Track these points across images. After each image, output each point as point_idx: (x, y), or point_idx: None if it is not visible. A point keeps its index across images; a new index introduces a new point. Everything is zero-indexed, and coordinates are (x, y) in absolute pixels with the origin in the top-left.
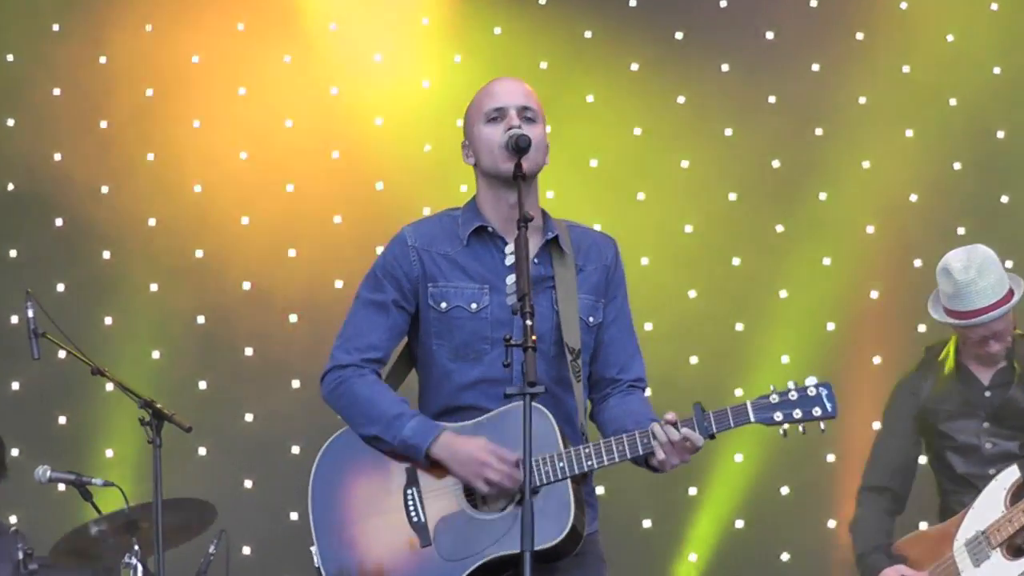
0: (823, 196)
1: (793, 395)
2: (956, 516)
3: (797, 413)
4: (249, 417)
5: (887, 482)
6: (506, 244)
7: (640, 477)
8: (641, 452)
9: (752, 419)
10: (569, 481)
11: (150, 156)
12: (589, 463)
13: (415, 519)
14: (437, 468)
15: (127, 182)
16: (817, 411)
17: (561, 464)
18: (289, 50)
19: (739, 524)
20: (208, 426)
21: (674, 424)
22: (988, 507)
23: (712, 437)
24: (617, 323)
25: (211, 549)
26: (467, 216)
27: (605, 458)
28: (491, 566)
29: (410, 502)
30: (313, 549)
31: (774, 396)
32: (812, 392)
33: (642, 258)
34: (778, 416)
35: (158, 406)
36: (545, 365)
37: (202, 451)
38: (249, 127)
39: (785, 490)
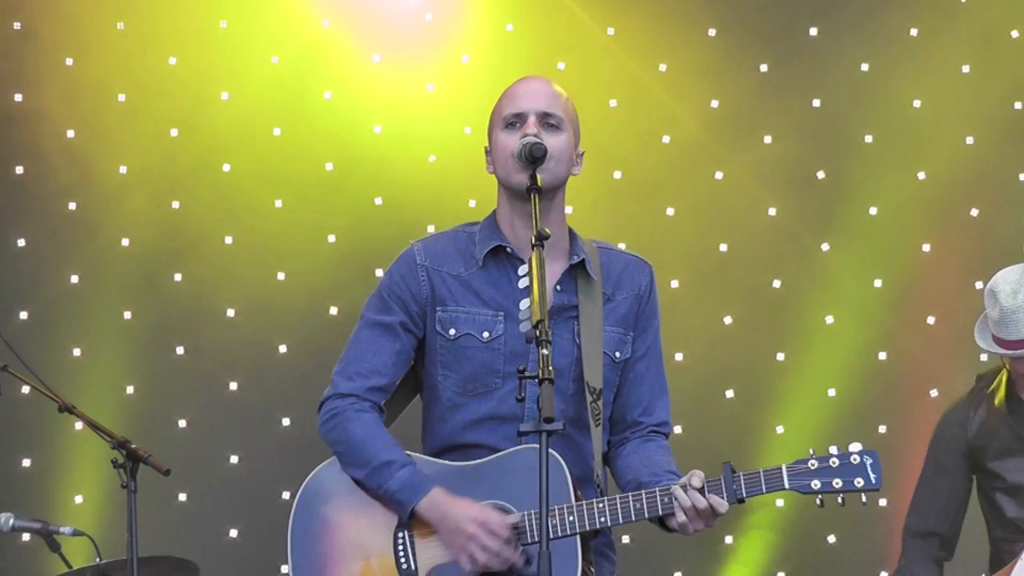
0: (874, 211)
1: (834, 462)
2: (1004, 569)
3: (837, 483)
4: (234, 459)
5: (934, 526)
6: (519, 271)
7: None
8: (660, 513)
9: (787, 486)
10: (578, 536)
11: (123, 169)
12: (602, 519)
13: (404, 566)
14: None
15: (98, 197)
16: (859, 482)
17: (571, 519)
18: (277, 50)
19: None
20: (188, 469)
21: (700, 490)
22: None
23: (741, 501)
24: (646, 359)
25: None
26: (484, 234)
27: (620, 516)
28: None
29: (400, 547)
30: None
31: (813, 461)
32: (855, 460)
33: (672, 280)
34: (816, 484)
35: (133, 447)
36: (562, 404)
37: (182, 497)
38: (233, 136)
39: (832, 538)
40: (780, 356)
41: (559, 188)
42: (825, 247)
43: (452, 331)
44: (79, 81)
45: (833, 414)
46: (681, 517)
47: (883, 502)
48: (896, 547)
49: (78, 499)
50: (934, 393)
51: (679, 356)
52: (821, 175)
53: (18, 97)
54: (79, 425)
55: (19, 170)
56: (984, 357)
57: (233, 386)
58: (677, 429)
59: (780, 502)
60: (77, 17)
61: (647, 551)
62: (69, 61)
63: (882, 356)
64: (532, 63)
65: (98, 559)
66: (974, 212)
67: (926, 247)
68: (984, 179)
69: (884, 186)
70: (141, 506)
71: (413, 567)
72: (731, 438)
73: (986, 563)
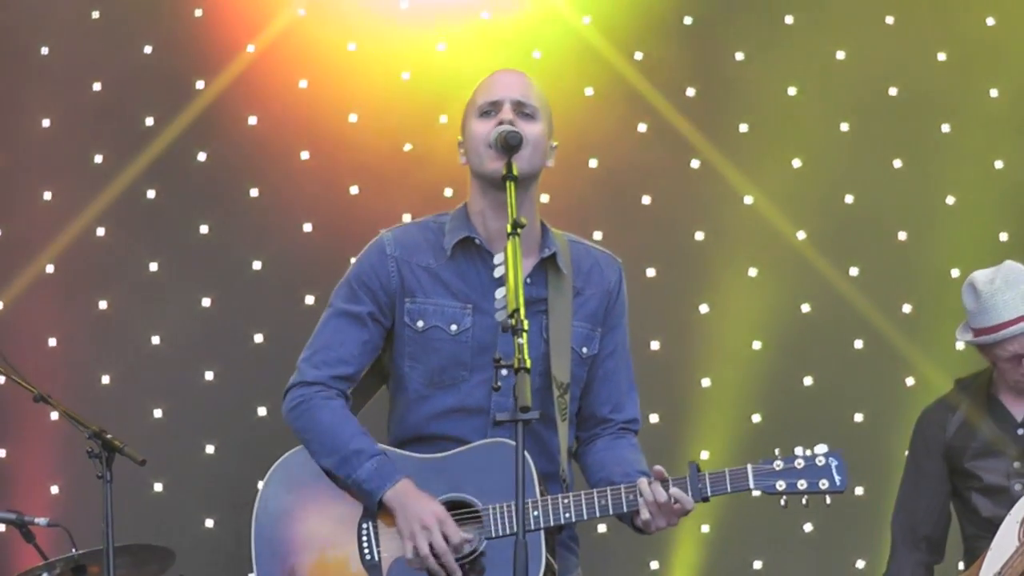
0: (850, 199)
1: (799, 463)
2: (976, 563)
3: (802, 484)
4: (210, 449)
5: (923, 530)
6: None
7: None
8: (625, 509)
9: (752, 486)
10: (543, 531)
11: (98, 159)
12: (567, 515)
13: (368, 557)
14: None
15: (72, 187)
16: (824, 483)
17: (536, 514)
18: (253, 39)
19: (757, 565)
20: (165, 459)
21: (664, 483)
22: (1004, 546)
23: (706, 500)
24: (615, 356)
25: None
26: (454, 224)
27: (585, 512)
28: None
29: (364, 537)
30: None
31: (779, 463)
32: (821, 462)
33: (647, 269)
34: (781, 485)
35: (108, 437)
36: None
37: (158, 487)
38: (208, 125)
39: (808, 527)
40: (756, 344)
41: (533, 179)
42: (801, 235)
43: (420, 323)
44: (50, 70)
45: (809, 403)
46: (645, 514)
47: (860, 491)
48: (872, 535)
49: (53, 489)
50: (910, 382)
51: (654, 345)
52: (797, 163)
53: None
54: (54, 415)
55: None
56: (960, 346)
57: (209, 376)
58: (653, 418)
59: (757, 491)
60: (47, 5)
61: (623, 541)
62: (44, 50)
63: (858, 345)
64: (508, 51)
65: (73, 550)
66: (950, 200)
67: (902, 235)
68: (962, 167)
69: (860, 174)
70: (117, 496)
71: (376, 558)
72: (706, 427)
73: (958, 557)
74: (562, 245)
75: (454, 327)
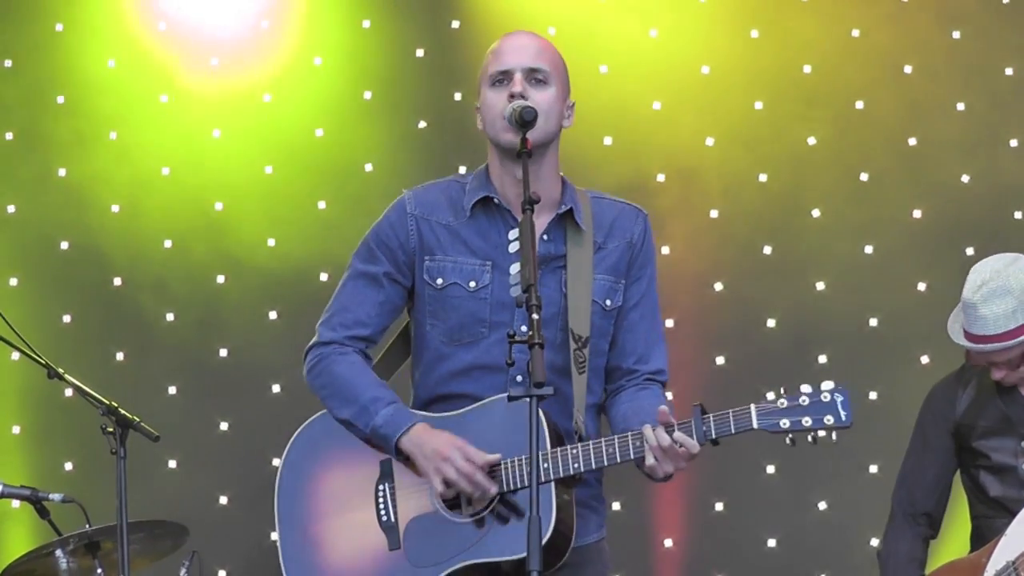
0: (864, 176)
1: (804, 400)
2: (988, 545)
3: (806, 421)
4: (224, 425)
5: (923, 505)
6: (515, 218)
7: (660, 491)
8: (632, 456)
9: (755, 425)
10: (553, 484)
11: (112, 135)
12: (575, 465)
13: (384, 519)
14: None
15: (85, 165)
16: (829, 419)
17: (545, 465)
18: (266, 16)
19: (771, 543)
20: (178, 435)
21: (669, 428)
22: (1020, 535)
23: (715, 443)
24: (640, 307)
25: (182, 573)
26: (475, 184)
27: (593, 461)
28: (463, 574)
29: (381, 499)
30: (278, 544)
31: (783, 400)
32: (826, 398)
33: (662, 247)
34: (785, 423)
35: (122, 413)
36: (549, 354)
37: (172, 463)
38: (224, 101)
39: (823, 505)
40: (771, 323)
41: (551, 143)
42: (816, 213)
43: (439, 280)
44: (18, 83)
45: (824, 380)
46: (650, 459)
47: (873, 468)
48: (887, 514)
49: (68, 466)
50: (925, 360)
51: (669, 322)
52: (812, 141)
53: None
54: (69, 392)
55: (9, 136)
56: None
57: (223, 352)
58: (667, 395)
59: (771, 468)
60: (13, 20)
61: (637, 519)
62: (8, 63)
63: (873, 322)
64: (523, 28)
65: (87, 526)
66: (965, 179)
67: (916, 213)
68: (971, 143)
69: (875, 151)
70: (131, 473)
71: (393, 519)
72: (720, 406)
73: (965, 540)
74: (583, 201)
75: (473, 284)
